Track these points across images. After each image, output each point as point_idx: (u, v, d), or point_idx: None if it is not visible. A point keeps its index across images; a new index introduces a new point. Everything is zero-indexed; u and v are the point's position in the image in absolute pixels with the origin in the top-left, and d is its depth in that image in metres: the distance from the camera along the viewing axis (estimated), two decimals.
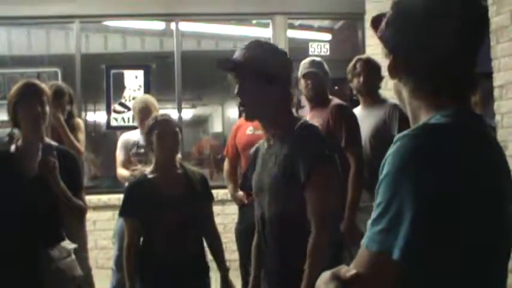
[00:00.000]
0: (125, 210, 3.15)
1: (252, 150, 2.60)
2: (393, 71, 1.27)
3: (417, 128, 1.14)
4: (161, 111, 4.50)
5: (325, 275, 1.14)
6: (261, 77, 2.28)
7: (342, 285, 1.08)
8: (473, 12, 1.20)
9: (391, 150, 1.12)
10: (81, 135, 4.55)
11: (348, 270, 1.10)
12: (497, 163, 1.18)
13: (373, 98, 4.17)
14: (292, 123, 2.34)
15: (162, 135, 3.07)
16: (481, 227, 1.11)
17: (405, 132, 1.13)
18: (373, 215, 1.12)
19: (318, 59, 4.19)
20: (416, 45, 1.20)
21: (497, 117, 4.38)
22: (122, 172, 4.71)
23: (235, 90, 2.35)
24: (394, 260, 1.06)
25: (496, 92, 4.37)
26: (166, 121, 3.16)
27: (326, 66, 4.08)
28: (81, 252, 4.36)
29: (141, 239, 3.14)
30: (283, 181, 2.25)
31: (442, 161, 1.07)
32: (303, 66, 4.03)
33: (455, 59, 1.20)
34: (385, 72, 1.45)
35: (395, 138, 1.14)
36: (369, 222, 1.15)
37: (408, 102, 1.27)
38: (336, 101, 3.99)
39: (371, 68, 4.14)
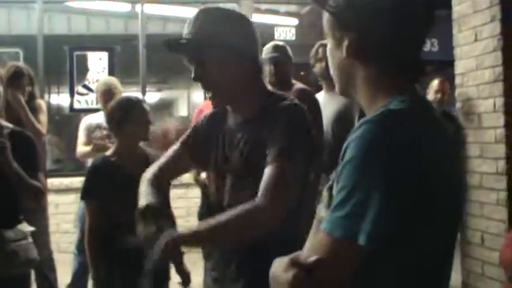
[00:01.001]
0: (86, 193, 3.11)
1: (208, 114, 2.10)
2: (355, 52, 1.20)
3: (382, 113, 1.12)
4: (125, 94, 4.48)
5: (282, 262, 1.10)
6: (219, 54, 1.83)
7: (303, 272, 1.05)
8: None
9: (355, 134, 1.10)
10: (43, 117, 4.48)
11: (308, 256, 1.07)
12: (448, 144, 1.21)
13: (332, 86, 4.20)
14: (271, 102, 1.89)
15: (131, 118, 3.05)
16: (444, 206, 1.13)
17: (369, 117, 1.12)
18: (335, 199, 1.09)
19: (281, 43, 4.19)
20: (384, 26, 1.17)
21: (458, 105, 4.46)
22: (81, 149, 4.66)
23: (192, 75, 1.91)
24: (360, 245, 1.04)
25: (457, 80, 4.44)
26: (134, 103, 3.14)
27: (289, 51, 4.08)
28: (42, 235, 4.33)
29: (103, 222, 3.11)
30: (252, 165, 1.85)
31: (408, 144, 1.07)
32: (266, 51, 4.02)
33: (418, 42, 1.22)
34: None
35: (358, 123, 1.13)
36: (322, 206, 1.16)
37: (364, 86, 1.24)
38: (298, 85, 4.00)
39: None
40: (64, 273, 4.52)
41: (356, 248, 1.05)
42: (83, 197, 3.15)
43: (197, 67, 1.88)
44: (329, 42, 1.29)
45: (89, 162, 4.64)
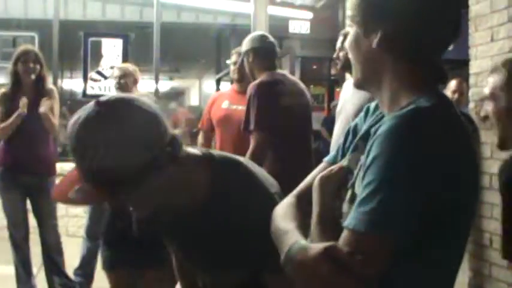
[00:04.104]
0: None
1: None
2: (388, 44, 1.16)
3: (410, 110, 1.09)
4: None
5: (313, 250, 1.06)
6: (125, 178, 1.36)
7: (338, 268, 1.01)
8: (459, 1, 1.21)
9: (383, 129, 1.07)
10: (56, 106, 4.48)
11: (343, 251, 1.03)
12: (471, 144, 1.20)
13: None
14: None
15: None
16: (468, 206, 1.13)
17: (398, 113, 1.10)
18: (360, 195, 1.07)
19: (253, 33, 4.16)
20: (420, 22, 1.14)
21: (471, 105, 4.43)
22: None
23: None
24: (386, 241, 1.03)
25: (471, 79, 4.42)
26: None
27: (262, 40, 3.96)
28: (49, 219, 4.37)
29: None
30: None
31: (436, 143, 1.06)
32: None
33: (446, 44, 1.19)
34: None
35: (385, 118, 1.11)
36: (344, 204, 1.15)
37: (388, 79, 1.19)
38: (258, 80, 3.83)
39: None
40: (72, 256, 4.55)
41: (381, 244, 1.03)
42: None
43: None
44: (354, 30, 1.23)
45: None
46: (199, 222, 1.55)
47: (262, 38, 4.00)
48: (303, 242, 1.11)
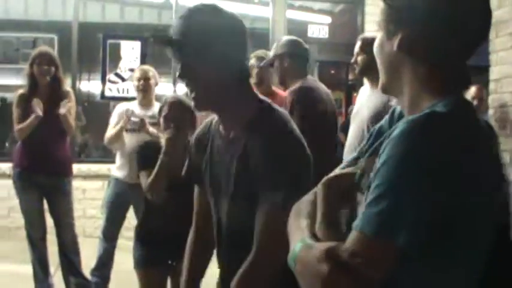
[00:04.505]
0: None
1: (199, 132, 2.01)
2: (407, 47, 1.16)
3: (425, 114, 1.08)
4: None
5: (316, 249, 1.07)
6: (207, 57, 1.71)
7: (339, 268, 1.02)
8: (488, 6, 1.19)
9: (396, 133, 1.07)
10: (73, 108, 4.54)
11: (345, 251, 1.04)
12: (492, 152, 1.18)
13: (376, 78, 4.09)
14: (257, 111, 1.78)
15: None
16: (488, 219, 1.11)
17: (412, 117, 1.09)
18: (369, 197, 1.07)
19: (289, 37, 4.13)
20: (440, 25, 1.13)
21: (490, 111, 4.41)
22: (110, 131, 4.62)
23: (177, 72, 1.80)
24: (393, 244, 1.02)
25: (491, 86, 4.40)
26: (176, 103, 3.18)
27: (299, 46, 3.99)
28: (66, 218, 4.41)
29: None
30: (245, 191, 1.73)
31: (449, 149, 1.04)
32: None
33: (471, 48, 1.18)
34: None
35: (401, 121, 1.11)
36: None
37: (410, 84, 1.19)
38: (297, 85, 3.86)
39: (370, 44, 4.12)
40: (89, 257, 4.58)
41: (387, 247, 1.03)
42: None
43: (183, 66, 1.76)
44: (380, 34, 1.24)
45: (116, 149, 4.69)
46: (233, 149, 1.77)
47: (299, 43, 4.03)
48: (308, 240, 1.12)
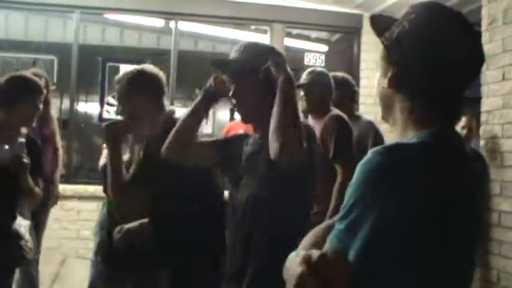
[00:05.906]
0: None
1: (241, 132, 2.67)
2: (395, 83, 1.31)
3: (390, 145, 1.21)
4: None
5: (298, 256, 1.17)
6: (253, 78, 2.27)
7: (309, 271, 1.12)
8: (480, 46, 1.32)
9: (364, 159, 1.19)
10: (56, 128, 4.65)
11: (316, 257, 1.14)
12: (470, 182, 1.26)
13: (348, 114, 4.16)
14: None
15: None
16: (439, 249, 1.17)
17: (378, 147, 1.20)
18: (339, 214, 1.21)
19: (319, 69, 4.27)
20: (425, 64, 1.25)
21: (482, 142, 4.47)
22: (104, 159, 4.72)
23: (230, 92, 2.36)
24: (349, 260, 1.15)
25: (483, 117, 4.47)
26: None
27: (327, 77, 4.12)
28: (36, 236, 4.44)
29: None
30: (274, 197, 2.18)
31: (403, 179, 1.14)
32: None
33: (456, 85, 1.28)
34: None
35: (369, 151, 1.20)
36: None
37: (399, 116, 1.32)
38: (333, 112, 4.01)
39: (340, 83, 4.29)
40: (81, 279, 4.59)
41: (346, 262, 1.14)
42: None
43: (237, 87, 2.34)
44: (378, 71, 1.39)
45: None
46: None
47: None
48: (300, 251, 1.24)
